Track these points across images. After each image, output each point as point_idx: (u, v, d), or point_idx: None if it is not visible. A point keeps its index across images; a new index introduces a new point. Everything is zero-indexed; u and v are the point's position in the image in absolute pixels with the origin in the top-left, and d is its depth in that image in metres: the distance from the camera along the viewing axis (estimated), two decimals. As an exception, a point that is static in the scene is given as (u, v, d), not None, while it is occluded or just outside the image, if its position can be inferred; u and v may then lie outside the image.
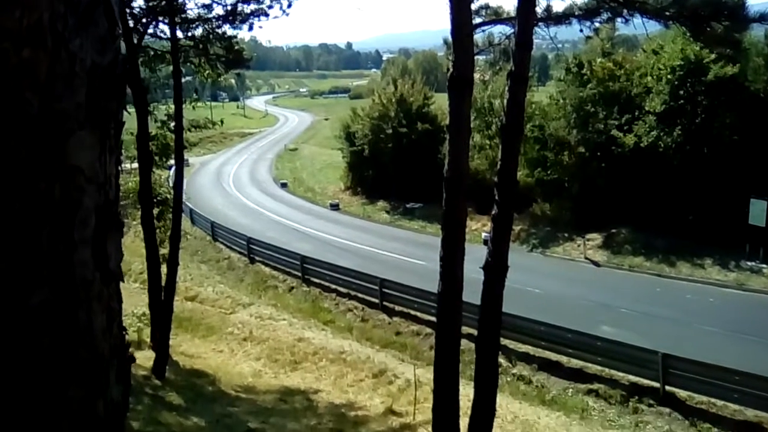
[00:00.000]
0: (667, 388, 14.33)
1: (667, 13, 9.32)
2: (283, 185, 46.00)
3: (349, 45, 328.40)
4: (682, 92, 24.38)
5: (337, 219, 34.75)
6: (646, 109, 25.48)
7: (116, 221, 1.16)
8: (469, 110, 8.98)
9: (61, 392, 1.02)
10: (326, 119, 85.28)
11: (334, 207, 37.75)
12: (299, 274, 24.15)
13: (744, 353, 14.81)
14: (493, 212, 8.72)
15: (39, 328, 0.98)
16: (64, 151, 0.99)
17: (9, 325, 0.95)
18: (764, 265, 21.20)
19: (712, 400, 13.81)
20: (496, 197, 8.66)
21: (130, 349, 1.29)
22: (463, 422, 8.95)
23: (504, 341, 16.01)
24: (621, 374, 15.15)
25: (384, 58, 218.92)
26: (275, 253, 26.04)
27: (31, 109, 0.94)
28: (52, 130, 0.96)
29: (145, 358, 15.23)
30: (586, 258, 24.77)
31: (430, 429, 9.97)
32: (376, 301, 20.87)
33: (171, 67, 16.25)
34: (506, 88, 8.96)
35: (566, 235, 26.69)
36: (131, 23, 15.74)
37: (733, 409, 13.53)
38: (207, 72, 18.75)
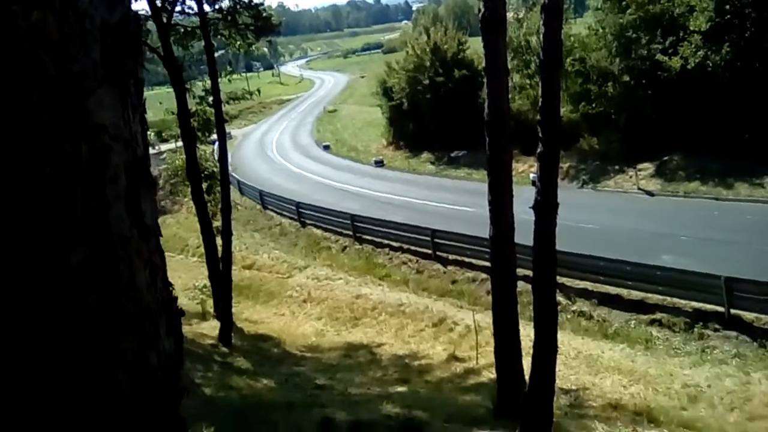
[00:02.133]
0: (732, 311, 14.06)
1: None
2: (326, 147, 46.15)
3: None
4: (727, 7, 23.12)
5: (383, 175, 34.80)
6: (691, 28, 24.28)
7: (147, 177, 1.18)
8: (504, 50, 8.78)
9: (114, 345, 1.07)
10: (362, 77, 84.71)
11: (379, 164, 37.74)
12: (350, 233, 24.39)
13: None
14: (539, 150, 8.55)
15: (83, 285, 1.01)
16: (86, 111, 1.00)
17: (56, 285, 0.98)
18: (829, 178, 20.29)
19: (781, 319, 13.50)
20: (540, 135, 8.48)
21: (179, 305, 1.33)
22: (526, 362, 8.99)
23: (561, 279, 15.90)
24: (683, 302, 14.92)
25: (414, 9, 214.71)
26: (325, 214, 26.34)
27: (48, 70, 0.95)
28: (72, 90, 0.98)
29: (210, 327, 15.78)
30: (639, 188, 24.19)
31: (493, 371, 10.09)
32: (429, 252, 20.95)
33: (203, 43, 16.33)
34: (541, 23, 8.69)
35: (617, 167, 26.08)
36: (159, 2, 15.82)
37: (804, 328, 13.21)
38: (238, 43, 18.81)
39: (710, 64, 23.32)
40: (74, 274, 0.99)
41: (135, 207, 1.10)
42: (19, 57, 0.92)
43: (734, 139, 22.66)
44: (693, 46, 23.89)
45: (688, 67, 23.79)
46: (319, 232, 26.21)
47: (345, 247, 24.24)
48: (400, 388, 11.77)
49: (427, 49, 37.19)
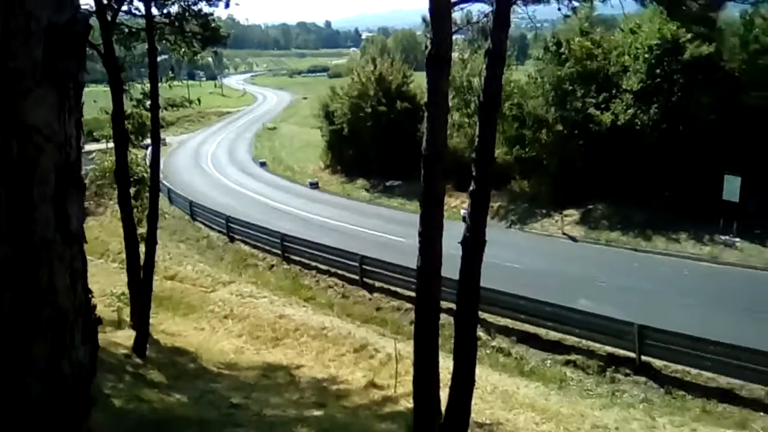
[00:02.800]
0: (643, 358, 14.67)
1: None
2: (262, 164, 45.68)
3: (327, 23, 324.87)
4: (658, 71, 24.54)
5: (317, 197, 34.68)
6: (624, 87, 25.61)
7: (77, 182, 1.16)
8: (446, 88, 9.01)
9: (25, 348, 1.04)
10: (305, 98, 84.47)
11: (314, 185, 37.63)
12: (279, 252, 24.15)
13: (717, 323, 15.16)
14: (471, 188, 8.78)
15: (1, 284, 0.99)
16: (21, 110, 0.99)
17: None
18: (737, 239, 21.55)
19: (687, 368, 14.17)
20: (474, 173, 8.72)
21: (97, 313, 1.30)
22: (444, 393, 9.09)
23: (483, 315, 16.25)
24: (598, 345, 15.46)
25: (363, 37, 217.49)
26: (255, 231, 25.99)
27: (-15, 65, 0.94)
28: (8, 88, 0.96)
29: (125, 336, 15.21)
30: (564, 233, 24.99)
31: (411, 401, 10.11)
32: (356, 277, 20.97)
33: (146, 45, 15.99)
34: (484, 66, 8.98)
35: (544, 211, 26.92)
36: (105, 0, 15.44)
37: (707, 377, 13.89)
38: (183, 50, 18.56)
39: (639, 123, 24.54)
40: (-8, 273, 0.97)
41: (61, 210, 1.08)
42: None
43: (656, 194, 23.91)
44: (624, 104, 25.13)
45: (618, 123, 24.96)
46: (247, 248, 25.81)
47: (272, 266, 23.95)
48: (317, 412, 11.63)
49: (373, 78, 37.59)
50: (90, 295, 1.27)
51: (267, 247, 24.99)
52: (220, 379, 13.71)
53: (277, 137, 58.30)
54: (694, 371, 14.08)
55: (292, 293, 21.32)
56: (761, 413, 12.84)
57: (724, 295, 17.68)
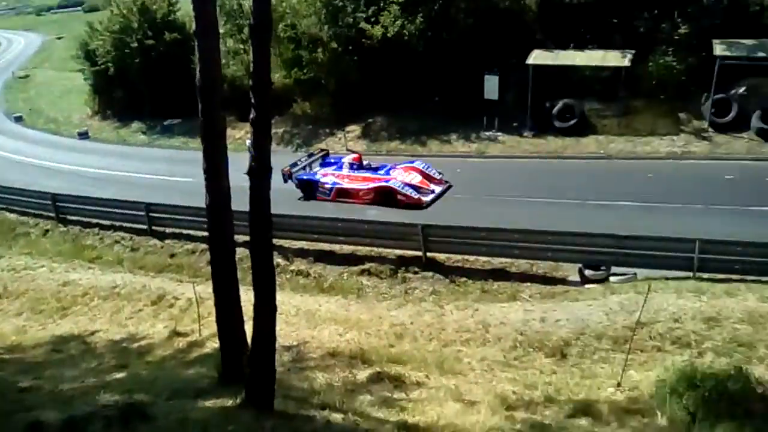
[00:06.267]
0: (429, 254, 16.00)
1: None
2: (18, 119, 40.67)
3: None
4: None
5: (89, 148, 31.92)
6: (390, -1, 26.24)
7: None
8: (215, 12, 8.62)
9: None
10: (59, 38, 75.64)
11: (83, 135, 34.48)
12: (53, 215, 22.08)
13: (489, 212, 17.14)
14: (251, 116, 8.58)
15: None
16: None
17: None
18: (499, 134, 23.90)
19: (465, 257, 15.78)
20: (252, 100, 8.51)
21: None
22: (249, 327, 9.11)
23: (279, 242, 16.52)
24: (389, 250, 16.54)
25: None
26: (20, 196, 23.32)
27: None
28: None
29: None
30: (348, 149, 25.73)
31: (217, 341, 10.08)
32: (144, 227, 19.96)
33: None
34: (251, -13, 8.66)
35: (327, 130, 27.41)
36: None
37: (483, 261, 15.60)
38: None
39: (407, 33, 25.41)
40: None
41: None
42: None
43: (427, 101, 25.42)
44: (392, 15, 25.79)
45: (389, 35, 25.64)
46: (13, 216, 23.21)
47: (47, 231, 21.89)
48: (119, 375, 11.11)
49: (135, 9, 34.54)
50: None
51: (38, 212, 22.67)
52: (2, 366, 12.49)
53: (32, 86, 52.00)
54: (471, 258, 15.73)
55: (74, 257, 19.68)
56: (528, 283, 14.85)
57: (489, 184, 19.94)
